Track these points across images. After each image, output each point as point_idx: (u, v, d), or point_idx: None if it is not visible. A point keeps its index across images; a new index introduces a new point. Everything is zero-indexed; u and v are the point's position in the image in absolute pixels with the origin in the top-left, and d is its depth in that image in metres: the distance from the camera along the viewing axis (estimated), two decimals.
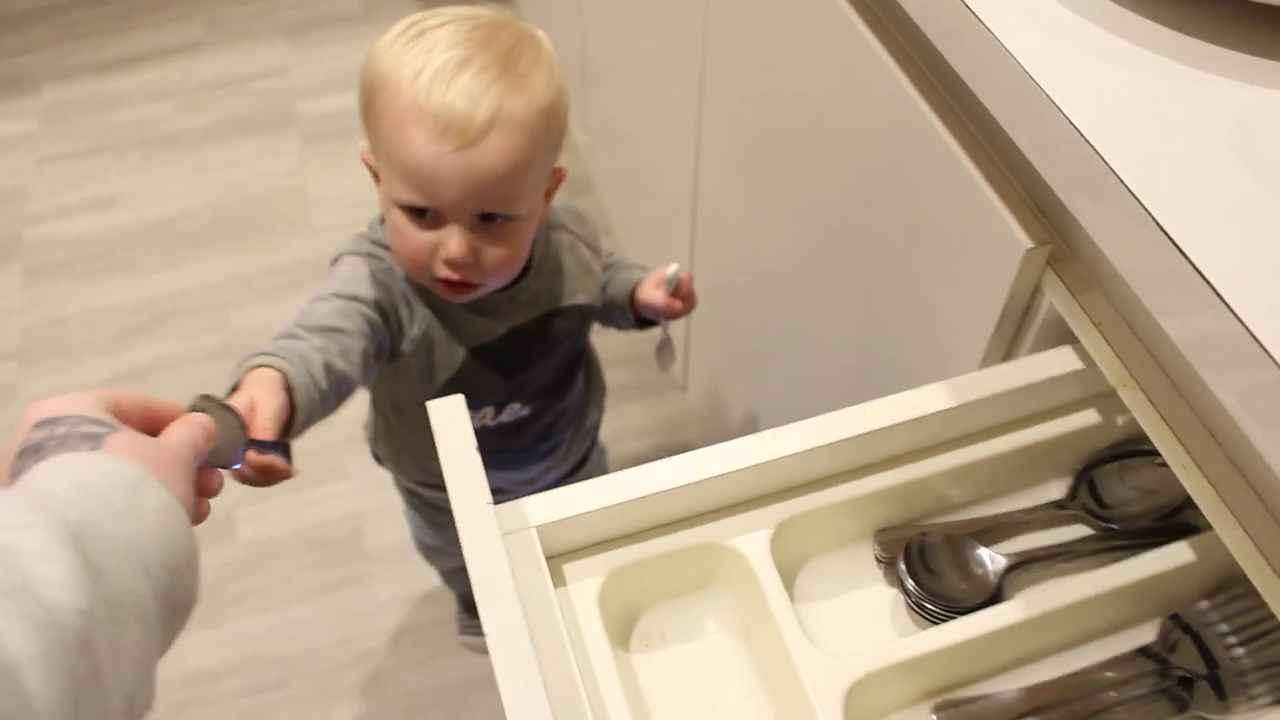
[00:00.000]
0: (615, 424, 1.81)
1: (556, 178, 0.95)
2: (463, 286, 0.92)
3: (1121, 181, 0.54)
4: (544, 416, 1.11)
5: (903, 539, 0.69)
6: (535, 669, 0.51)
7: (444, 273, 0.90)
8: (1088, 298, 0.70)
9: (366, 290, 0.94)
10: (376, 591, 1.66)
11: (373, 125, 0.88)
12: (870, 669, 0.61)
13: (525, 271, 1.00)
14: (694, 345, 1.69)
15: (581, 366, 1.15)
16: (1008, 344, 0.76)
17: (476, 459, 0.60)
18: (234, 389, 0.76)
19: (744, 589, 0.65)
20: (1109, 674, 0.68)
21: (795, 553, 0.68)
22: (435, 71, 0.82)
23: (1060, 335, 0.73)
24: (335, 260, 0.98)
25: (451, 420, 0.62)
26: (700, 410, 1.80)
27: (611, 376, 1.28)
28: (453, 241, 0.87)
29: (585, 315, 1.08)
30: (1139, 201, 0.53)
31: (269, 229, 2.18)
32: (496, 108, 0.82)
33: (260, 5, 2.70)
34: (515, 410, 1.07)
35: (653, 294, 1.07)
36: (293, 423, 0.78)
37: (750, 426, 1.43)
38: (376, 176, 0.93)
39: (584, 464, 1.28)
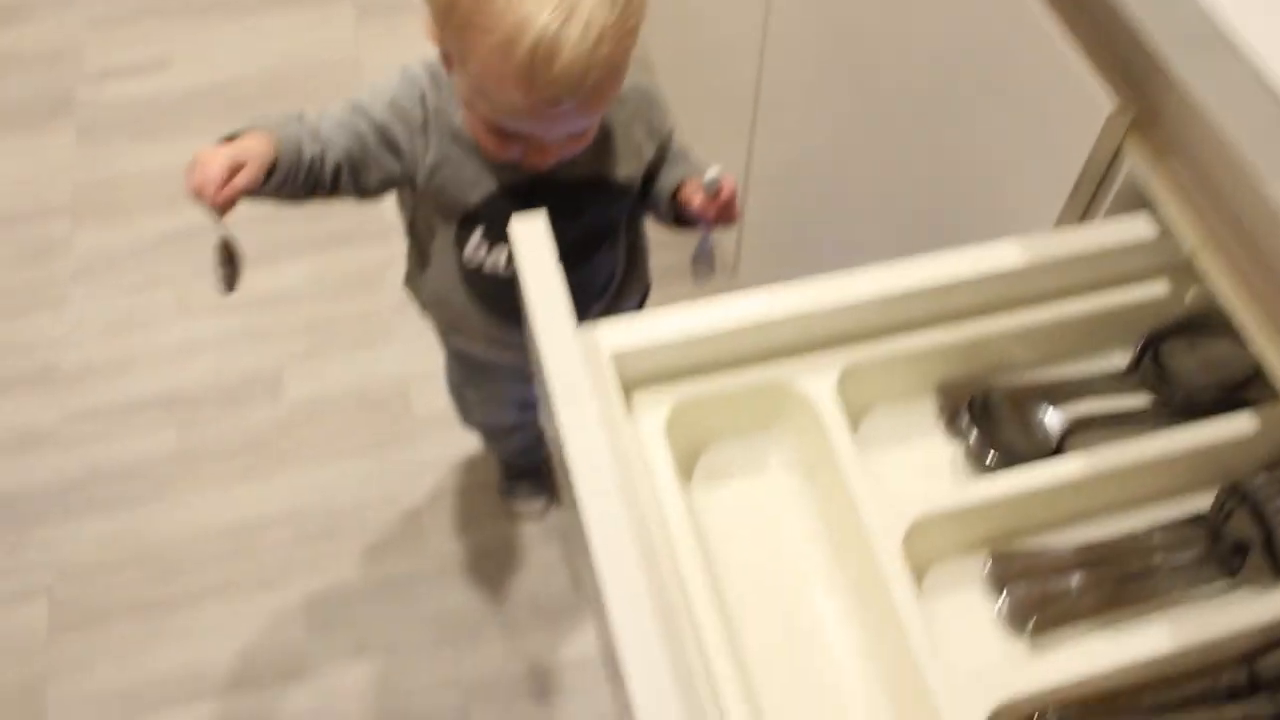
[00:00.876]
0: (661, 305, 1.82)
1: None
2: None
3: (1229, 37, 0.53)
4: None
5: (966, 393, 0.70)
6: (617, 492, 0.52)
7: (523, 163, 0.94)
8: (1168, 164, 0.69)
9: (381, 113, 0.97)
10: (421, 453, 1.69)
11: (458, 41, 0.84)
12: (929, 512, 0.62)
13: None
14: (748, 227, 1.68)
15: (611, 248, 1.11)
16: (1082, 209, 0.75)
17: (559, 279, 0.61)
18: (232, 137, 0.88)
19: (808, 430, 0.66)
20: (1160, 537, 0.69)
21: (859, 400, 0.69)
22: (539, 35, 0.78)
23: (1136, 202, 0.72)
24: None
25: (534, 239, 0.63)
26: None
27: (659, 258, 1.27)
28: (542, 156, 0.92)
29: (618, 192, 1.05)
30: (1251, 57, 0.52)
31: (322, 99, 2.16)
32: (601, 73, 0.82)
33: None
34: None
35: (693, 194, 1.00)
36: (267, 183, 0.88)
37: None
38: (446, 57, 0.91)
39: None
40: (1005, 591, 0.64)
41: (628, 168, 1.04)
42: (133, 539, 1.61)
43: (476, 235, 1.04)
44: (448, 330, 1.22)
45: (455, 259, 1.06)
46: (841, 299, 0.65)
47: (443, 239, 1.06)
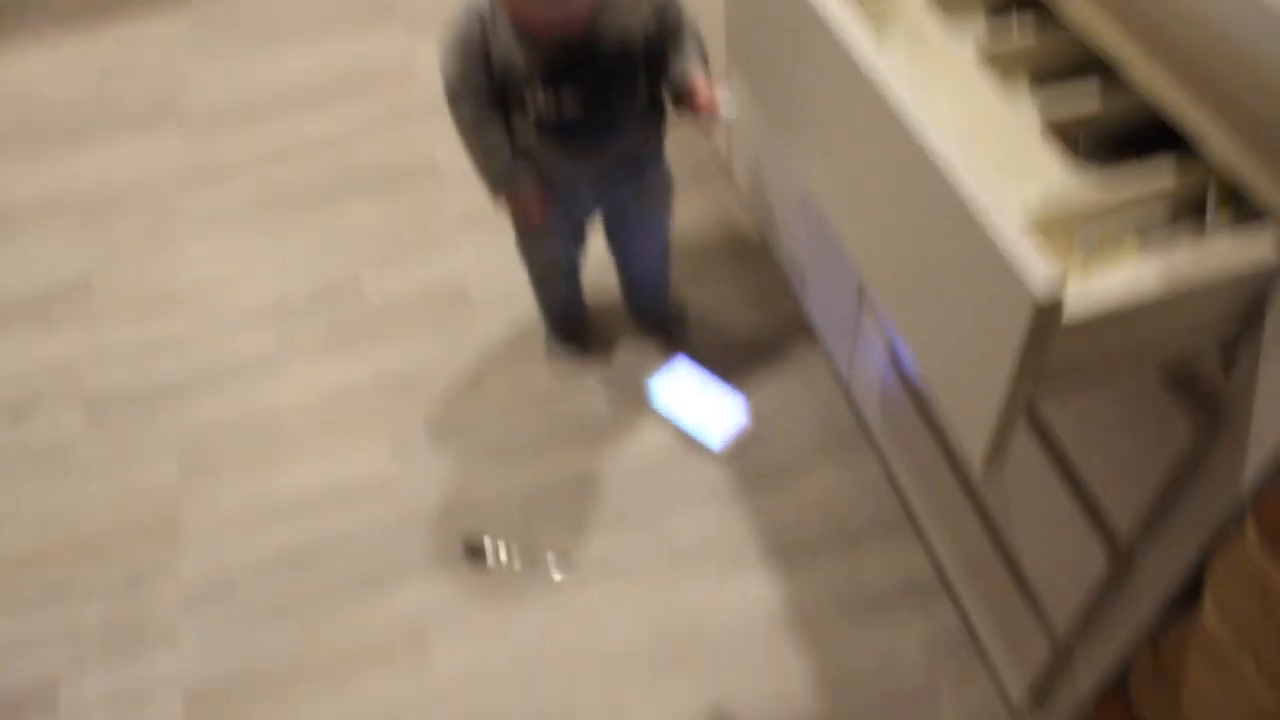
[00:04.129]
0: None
1: None
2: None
3: None
4: (592, 122, 1.47)
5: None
6: None
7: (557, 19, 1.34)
8: None
9: (467, 76, 1.42)
10: (480, 328, 2.03)
11: None
12: None
13: None
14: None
15: (627, 96, 1.48)
16: None
17: None
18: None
19: None
20: None
21: None
22: None
23: None
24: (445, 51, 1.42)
25: None
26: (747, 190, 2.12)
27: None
28: (565, 9, 1.33)
29: (620, 49, 1.42)
30: None
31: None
32: None
33: None
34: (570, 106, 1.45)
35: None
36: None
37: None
38: None
39: (643, 174, 1.64)
40: None
41: (627, 31, 1.42)
42: (245, 407, 1.95)
43: (530, 94, 1.43)
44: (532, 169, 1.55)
45: (522, 116, 1.46)
46: None
47: (515, 108, 1.46)
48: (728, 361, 1.93)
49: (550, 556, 1.70)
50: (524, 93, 1.43)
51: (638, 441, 1.84)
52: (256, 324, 2.09)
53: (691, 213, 2.18)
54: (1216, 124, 0.79)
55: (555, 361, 1.95)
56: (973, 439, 0.83)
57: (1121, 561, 1.07)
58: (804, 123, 1.02)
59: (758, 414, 1.85)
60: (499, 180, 1.50)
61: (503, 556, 1.70)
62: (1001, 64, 0.99)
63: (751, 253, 2.11)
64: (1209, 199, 0.89)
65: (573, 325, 1.95)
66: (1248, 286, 0.78)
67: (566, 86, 1.42)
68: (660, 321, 1.95)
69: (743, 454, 1.80)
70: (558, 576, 1.67)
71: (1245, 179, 0.78)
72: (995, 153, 0.94)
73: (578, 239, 1.74)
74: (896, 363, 1.54)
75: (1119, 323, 0.76)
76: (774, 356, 1.94)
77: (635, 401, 1.89)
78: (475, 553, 1.71)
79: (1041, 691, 1.36)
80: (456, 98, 1.44)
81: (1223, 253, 0.77)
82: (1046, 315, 0.68)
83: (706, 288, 2.05)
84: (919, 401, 1.49)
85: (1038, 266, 0.67)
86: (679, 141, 2.20)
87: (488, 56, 1.40)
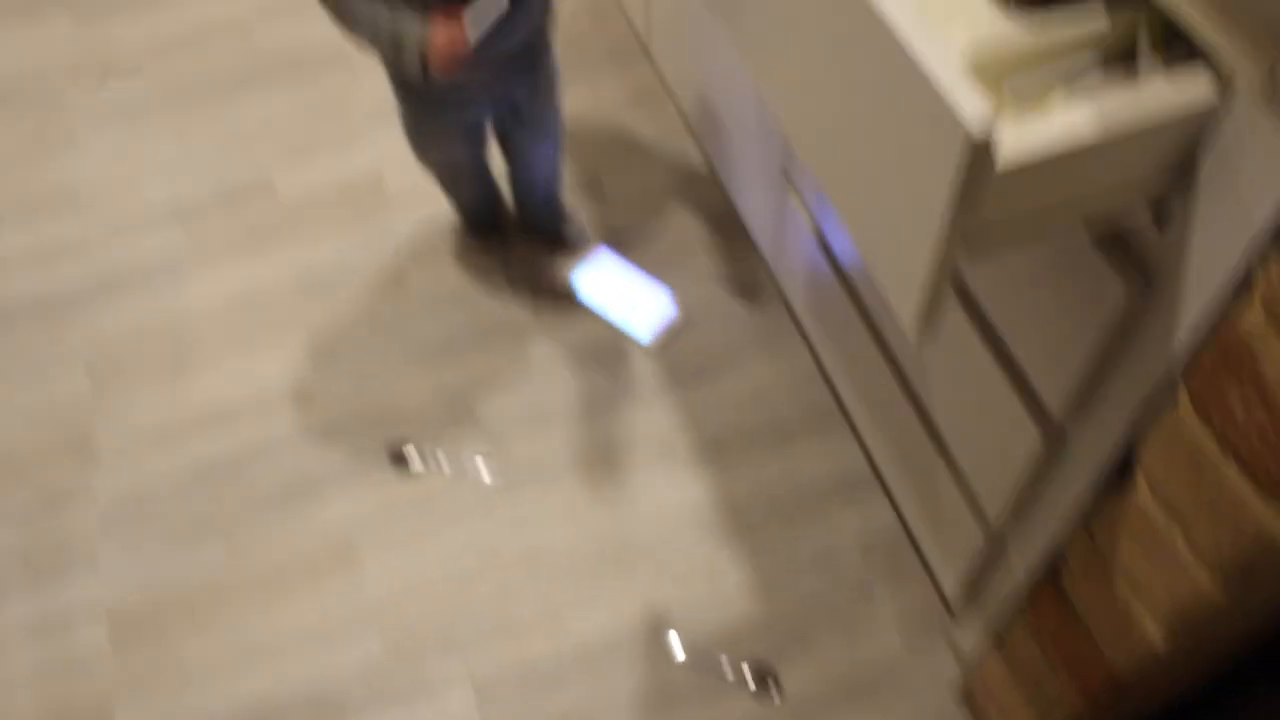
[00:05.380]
0: (589, 90, 2.06)
1: None
2: None
3: None
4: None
5: None
6: None
7: None
8: None
9: None
10: (396, 220, 1.94)
11: None
12: None
13: None
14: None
15: None
16: None
17: None
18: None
19: None
20: None
21: None
22: None
23: None
24: None
25: None
26: (665, 69, 2.03)
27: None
28: None
29: None
30: None
31: None
32: None
33: None
34: None
35: None
36: None
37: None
38: None
39: (536, 66, 1.53)
40: None
41: None
42: (155, 314, 1.86)
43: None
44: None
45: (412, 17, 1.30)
46: None
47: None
48: (652, 253, 1.87)
49: (479, 460, 1.66)
50: None
51: (564, 338, 1.78)
52: (161, 225, 1.98)
53: (608, 94, 2.07)
54: None
55: (474, 257, 1.88)
56: (906, 300, 0.78)
57: (1054, 438, 1.04)
58: None
59: (685, 307, 1.79)
60: (401, 37, 1.29)
61: (430, 461, 1.66)
62: None
63: (675, 137, 2.03)
64: (1140, 42, 0.84)
65: (487, 222, 1.87)
66: (1184, 129, 0.73)
67: None
68: (555, 233, 1.87)
69: (671, 348, 1.76)
70: (487, 480, 1.64)
71: (1181, 14, 0.73)
72: None
73: (474, 141, 1.63)
74: (824, 244, 1.49)
75: (1052, 169, 0.71)
76: (700, 247, 1.88)
77: (560, 297, 1.83)
78: (401, 459, 1.67)
79: (976, 585, 1.36)
80: None
81: (1158, 94, 0.72)
82: (980, 153, 0.64)
83: (629, 175, 1.97)
84: (849, 286, 1.45)
85: (971, 103, 0.63)
86: (597, 13, 2.09)
87: None
